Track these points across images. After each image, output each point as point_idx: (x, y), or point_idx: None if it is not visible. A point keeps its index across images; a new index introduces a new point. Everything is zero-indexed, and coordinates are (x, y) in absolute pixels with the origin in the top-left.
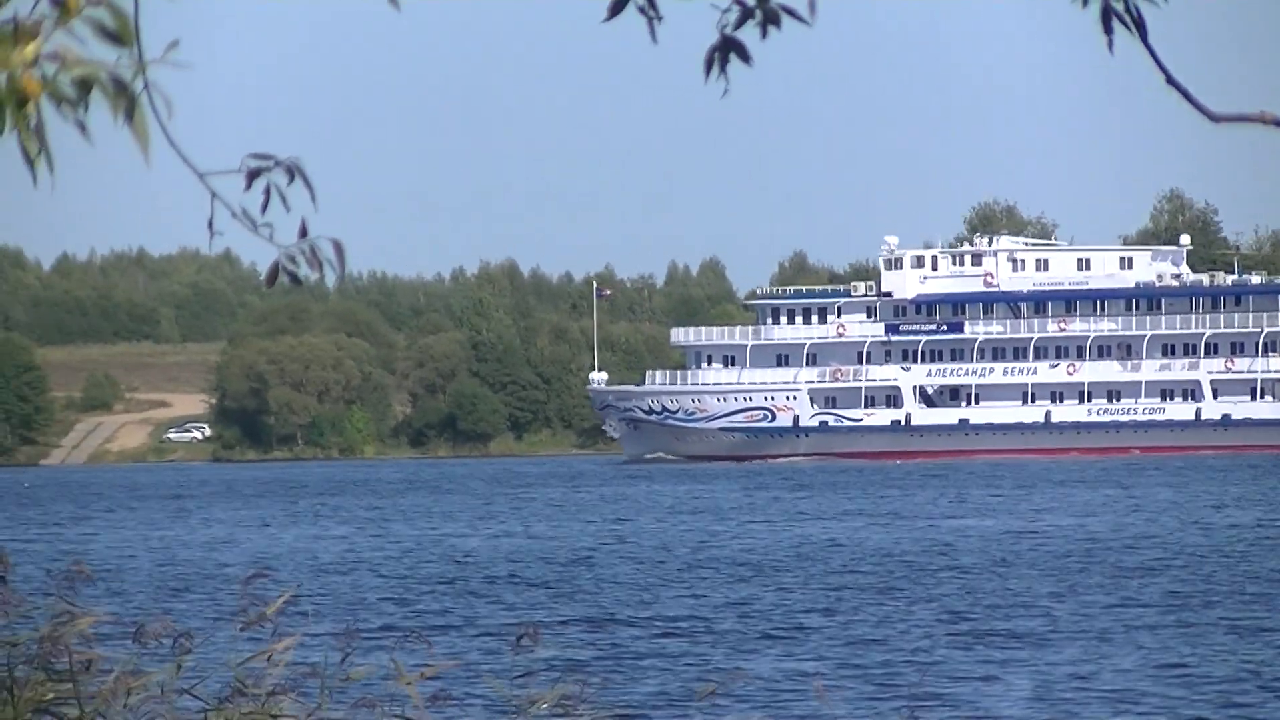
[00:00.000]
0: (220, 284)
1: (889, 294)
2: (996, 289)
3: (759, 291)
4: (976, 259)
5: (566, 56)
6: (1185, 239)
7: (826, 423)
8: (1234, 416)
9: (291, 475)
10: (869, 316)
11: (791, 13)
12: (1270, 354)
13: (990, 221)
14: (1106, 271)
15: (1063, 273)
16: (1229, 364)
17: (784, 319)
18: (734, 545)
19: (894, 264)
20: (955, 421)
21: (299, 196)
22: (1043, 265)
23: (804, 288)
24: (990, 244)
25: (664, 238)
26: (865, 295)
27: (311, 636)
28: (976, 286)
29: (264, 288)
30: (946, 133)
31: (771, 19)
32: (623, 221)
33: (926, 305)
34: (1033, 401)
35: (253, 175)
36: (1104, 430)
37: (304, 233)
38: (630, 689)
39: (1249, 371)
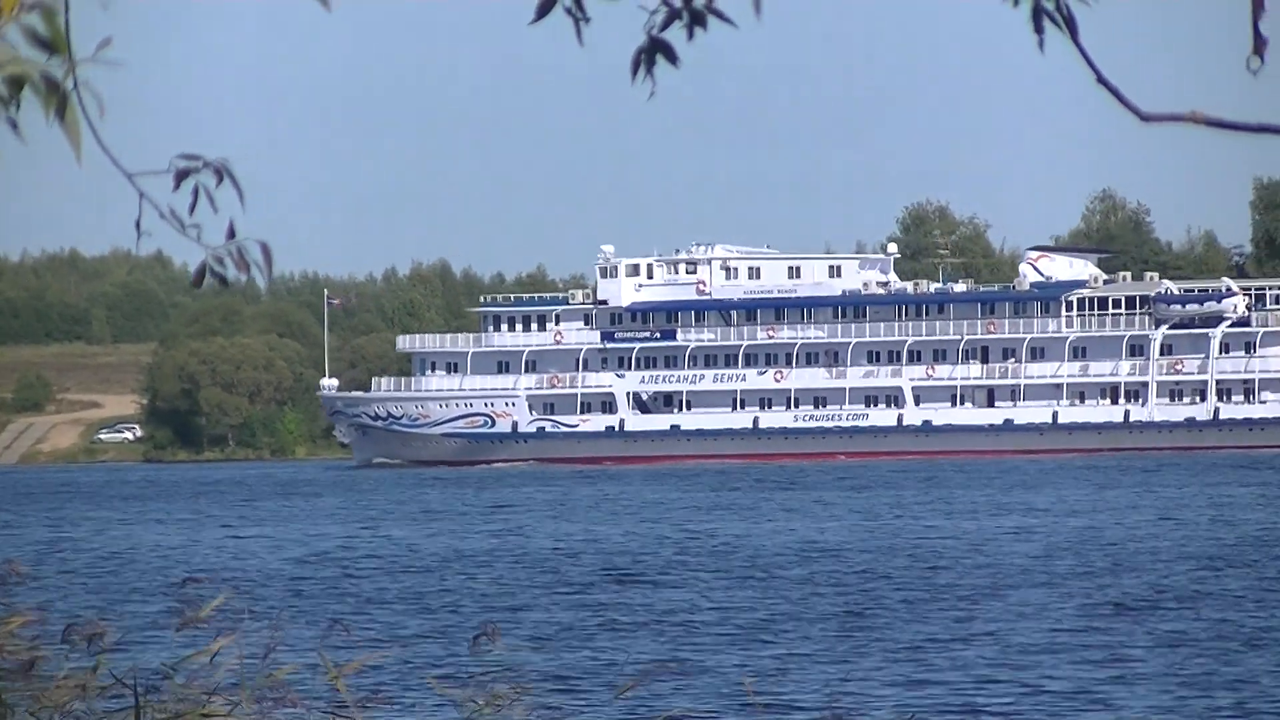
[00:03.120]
0: (152, 285)
1: (605, 302)
2: (709, 297)
3: (482, 299)
4: (691, 267)
5: (499, 56)
6: (893, 248)
7: (544, 428)
8: (934, 423)
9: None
10: (586, 324)
11: (718, 14)
12: (970, 361)
13: (923, 222)
14: (815, 280)
15: (773, 281)
16: (930, 371)
17: (505, 326)
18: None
19: (609, 272)
20: (668, 427)
21: (228, 197)
22: (755, 274)
23: (525, 295)
24: (705, 252)
25: (597, 237)
26: (583, 303)
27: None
28: (690, 295)
29: (192, 289)
30: (881, 133)
31: (698, 20)
32: (556, 221)
33: (641, 313)
34: (742, 408)
35: (181, 176)
36: (810, 436)
37: (231, 234)
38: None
39: (949, 379)
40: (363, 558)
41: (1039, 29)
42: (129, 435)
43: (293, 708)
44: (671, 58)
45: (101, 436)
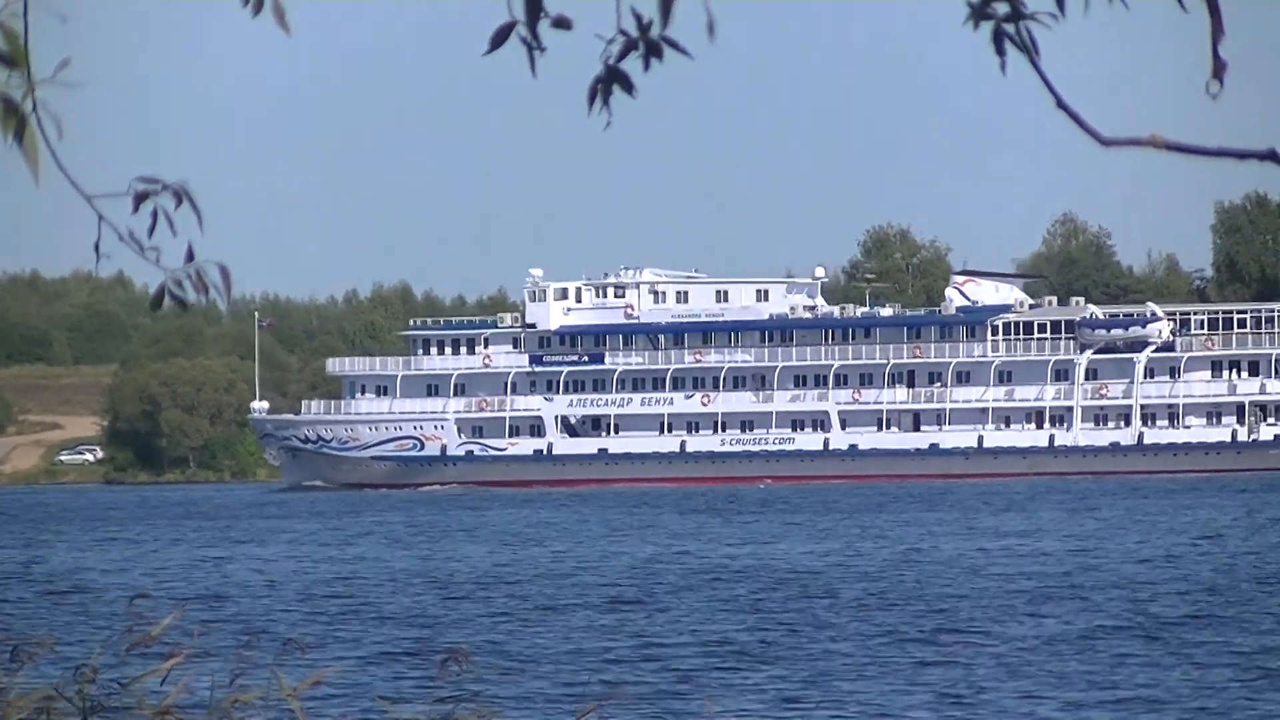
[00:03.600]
0: (113, 306)
1: (533, 325)
2: (637, 321)
3: (411, 323)
4: (619, 291)
5: (458, 78)
6: (820, 271)
7: (473, 452)
8: (860, 447)
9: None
10: (515, 348)
11: (674, 44)
12: (896, 385)
13: (884, 245)
14: (743, 304)
15: (701, 305)
16: (856, 395)
17: (434, 349)
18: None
19: (538, 296)
20: (595, 451)
21: (187, 220)
22: (683, 297)
23: (455, 319)
24: (633, 276)
25: (556, 261)
26: (511, 326)
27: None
28: (618, 318)
29: (152, 310)
30: (841, 157)
31: (654, 50)
32: (515, 244)
33: (570, 337)
34: (669, 431)
35: (140, 198)
36: (736, 460)
37: (190, 257)
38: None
39: (875, 403)
40: (330, 579)
41: (1000, 52)
42: (90, 457)
43: None
44: (628, 88)
45: (62, 458)
